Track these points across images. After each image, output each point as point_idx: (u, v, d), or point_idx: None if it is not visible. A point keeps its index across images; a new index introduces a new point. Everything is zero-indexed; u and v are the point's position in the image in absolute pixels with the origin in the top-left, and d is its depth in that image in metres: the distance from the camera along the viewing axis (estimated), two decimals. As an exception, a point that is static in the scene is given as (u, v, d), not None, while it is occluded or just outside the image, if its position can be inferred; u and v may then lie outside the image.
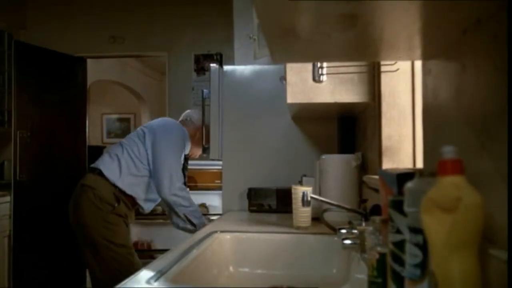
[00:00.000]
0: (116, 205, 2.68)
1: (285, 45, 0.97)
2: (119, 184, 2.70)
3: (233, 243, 1.74)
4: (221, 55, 5.14)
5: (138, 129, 2.98)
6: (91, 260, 2.68)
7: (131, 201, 2.79)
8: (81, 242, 2.74)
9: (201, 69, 5.20)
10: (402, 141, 1.80)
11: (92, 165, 2.80)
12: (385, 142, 1.80)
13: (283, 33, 0.87)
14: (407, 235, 0.75)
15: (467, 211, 0.61)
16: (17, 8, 5.33)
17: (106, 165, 2.74)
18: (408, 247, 0.74)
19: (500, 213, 0.69)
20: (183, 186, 2.77)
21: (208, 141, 2.75)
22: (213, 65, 2.86)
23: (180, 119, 3.12)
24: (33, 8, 5.44)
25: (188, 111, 3.21)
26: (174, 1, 5.20)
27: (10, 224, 4.36)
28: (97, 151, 8.65)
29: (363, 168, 2.14)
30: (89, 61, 5.45)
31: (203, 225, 2.63)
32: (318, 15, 0.77)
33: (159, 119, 3.12)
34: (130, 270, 2.20)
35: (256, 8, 0.72)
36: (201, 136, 2.87)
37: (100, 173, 2.71)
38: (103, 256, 2.64)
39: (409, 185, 0.76)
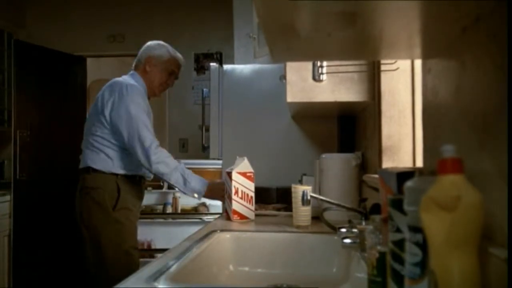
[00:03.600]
0: (116, 195, 2.39)
1: (285, 43, 0.97)
2: (116, 169, 2.41)
3: (233, 242, 1.74)
4: (221, 54, 5.14)
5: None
6: (92, 258, 2.43)
7: (136, 181, 2.50)
8: (86, 241, 2.45)
9: (201, 68, 5.20)
10: (402, 140, 1.80)
11: (81, 166, 2.49)
12: (385, 141, 1.80)
13: (283, 32, 0.87)
14: (407, 234, 0.75)
15: (466, 210, 0.61)
16: (16, 7, 5.33)
17: (93, 159, 2.43)
18: (408, 246, 0.74)
19: (500, 211, 0.69)
20: (156, 144, 2.37)
21: (207, 140, 2.74)
22: (213, 64, 2.87)
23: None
24: (33, 7, 5.44)
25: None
26: (174, 0, 5.20)
27: (10, 223, 4.36)
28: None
29: (363, 167, 2.14)
30: (88, 60, 5.44)
31: (201, 190, 2.38)
32: (317, 13, 0.76)
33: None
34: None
35: (256, 7, 0.72)
36: (154, 68, 2.55)
37: (93, 170, 2.42)
38: (106, 257, 2.39)
39: (409, 184, 0.76)
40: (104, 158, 2.42)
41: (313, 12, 0.76)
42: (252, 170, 2.13)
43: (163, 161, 2.33)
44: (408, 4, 0.74)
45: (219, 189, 2.31)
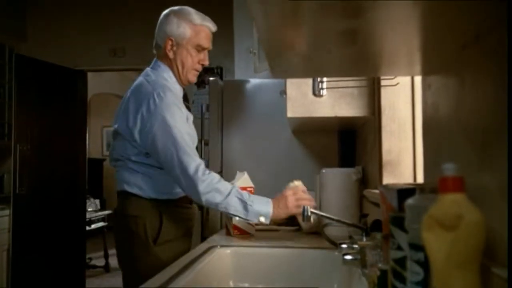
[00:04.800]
0: (158, 226, 1.87)
1: (285, 61, 0.97)
2: (157, 193, 1.90)
3: (233, 258, 1.73)
4: (221, 69, 5.16)
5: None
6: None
7: (183, 205, 1.97)
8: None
9: (201, 82, 5.22)
10: (403, 155, 1.80)
11: (117, 189, 1.97)
12: (385, 156, 1.80)
13: (283, 49, 0.88)
14: (408, 252, 0.75)
15: (468, 229, 0.60)
16: (17, 22, 5.36)
17: (128, 181, 1.91)
18: (409, 264, 0.73)
19: (501, 230, 0.69)
20: (202, 168, 1.81)
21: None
22: (213, 78, 2.87)
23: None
24: (34, 22, 5.47)
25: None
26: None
27: (9, 238, 4.34)
28: (97, 164, 8.69)
29: (364, 182, 2.13)
30: (89, 74, 5.47)
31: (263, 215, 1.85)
32: (318, 31, 0.77)
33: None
34: None
35: (256, 25, 0.73)
36: (178, 51, 1.95)
37: (130, 194, 1.90)
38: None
39: (409, 201, 0.75)
40: (142, 180, 1.89)
41: (313, 30, 0.76)
42: (252, 185, 2.12)
43: (214, 188, 1.79)
44: (408, 22, 0.75)
45: (284, 203, 1.86)
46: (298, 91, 1.94)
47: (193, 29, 1.94)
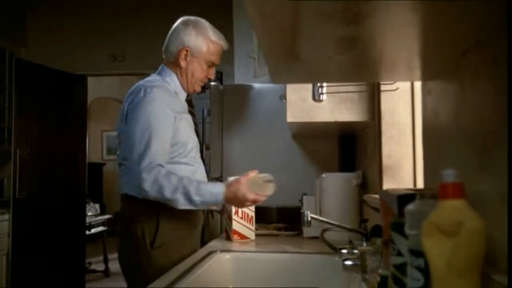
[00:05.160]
0: (154, 229, 1.82)
1: (285, 66, 0.97)
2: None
3: (233, 263, 1.73)
4: (221, 73, 5.15)
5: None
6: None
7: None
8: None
9: (202, 87, 5.22)
10: (402, 160, 1.79)
11: (120, 193, 1.93)
12: (385, 160, 1.80)
13: (283, 55, 0.88)
14: (408, 258, 0.74)
15: (468, 236, 0.60)
16: (18, 27, 5.37)
17: (127, 182, 1.87)
18: (410, 270, 0.73)
19: (501, 236, 0.69)
20: (154, 166, 1.75)
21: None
22: (213, 83, 2.88)
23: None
24: (34, 27, 5.48)
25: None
26: (175, 19, 5.23)
27: (9, 242, 4.33)
28: (97, 168, 8.69)
29: (364, 186, 2.13)
30: (89, 78, 5.47)
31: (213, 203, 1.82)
32: (318, 38, 0.77)
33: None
34: None
35: (256, 33, 0.73)
36: (191, 62, 1.98)
37: (129, 196, 1.86)
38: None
39: (410, 207, 0.75)
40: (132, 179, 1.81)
41: (313, 37, 0.76)
42: None
43: (160, 184, 1.72)
44: (408, 29, 0.75)
45: (236, 193, 1.76)
46: (298, 96, 1.94)
47: (209, 44, 1.97)
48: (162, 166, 1.77)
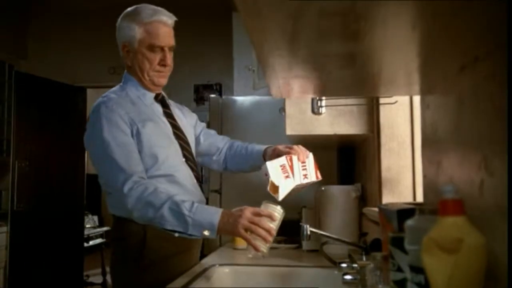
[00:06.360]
0: (141, 248, 1.65)
1: (284, 82, 0.98)
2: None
3: (232, 277, 1.72)
4: (220, 85, 5.18)
5: None
6: None
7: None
8: None
9: (200, 99, 5.23)
10: (402, 173, 1.80)
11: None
12: (384, 173, 1.80)
13: (282, 72, 0.88)
14: (408, 274, 0.74)
15: (469, 253, 0.60)
16: (18, 39, 5.39)
17: (111, 202, 1.72)
18: (410, 286, 0.73)
19: (502, 251, 0.69)
20: (132, 181, 1.57)
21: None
22: (213, 95, 2.89)
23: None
24: (34, 39, 5.51)
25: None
26: (174, 31, 5.26)
27: (7, 255, 4.31)
28: (95, 180, 8.63)
29: (363, 199, 2.13)
30: (89, 90, 5.48)
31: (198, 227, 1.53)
32: (317, 55, 0.77)
33: None
34: None
35: (256, 49, 0.73)
36: (132, 56, 1.77)
37: (116, 217, 1.72)
38: None
39: (409, 222, 0.75)
40: (115, 200, 1.69)
41: (312, 54, 0.77)
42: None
43: (145, 201, 1.55)
44: (406, 45, 0.75)
45: (235, 220, 1.50)
46: (297, 108, 1.95)
47: (143, 28, 1.72)
48: (142, 178, 1.61)
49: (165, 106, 1.84)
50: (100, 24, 5.42)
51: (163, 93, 1.86)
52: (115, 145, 1.62)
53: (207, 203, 1.95)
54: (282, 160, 1.63)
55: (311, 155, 1.74)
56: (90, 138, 1.69)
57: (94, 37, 5.39)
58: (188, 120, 1.96)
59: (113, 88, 1.81)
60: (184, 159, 1.78)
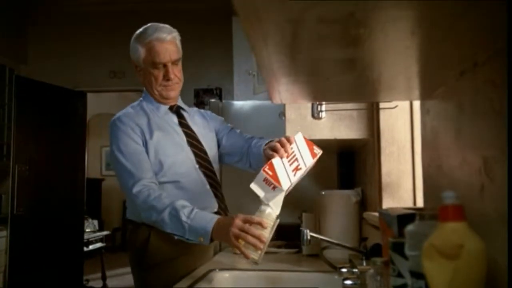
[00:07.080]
0: (144, 250, 1.78)
1: (284, 87, 0.98)
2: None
3: (232, 282, 1.71)
4: (220, 90, 5.18)
5: None
6: None
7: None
8: None
9: (200, 103, 5.23)
10: (402, 177, 1.79)
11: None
12: (384, 178, 1.80)
13: (282, 77, 0.88)
14: (408, 280, 0.74)
15: (469, 259, 0.60)
16: (18, 43, 5.40)
17: (128, 206, 1.87)
18: (410, 292, 0.73)
19: (502, 257, 0.69)
20: (141, 184, 1.72)
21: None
22: (213, 100, 2.89)
23: None
24: (34, 43, 5.52)
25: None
26: (174, 36, 5.28)
27: (6, 259, 4.30)
28: (95, 184, 8.65)
29: (363, 204, 2.13)
30: (89, 94, 5.49)
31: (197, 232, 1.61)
32: (316, 60, 0.77)
33: None
34: None
35: (255, 55, 0.73)
36: (142, 73, 1.91)
37: (129, 220, 1.85)
38: None
39: (410, 228, 0.75)
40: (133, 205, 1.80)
41: (312, 59, 0.77)
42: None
43: (149, 205, 1.67)
44: (406, 51, 0.76)
45: (227, 227, 1.53)
46: (297, 113, 1.95)
47: (144, 48, 1.84)
48: (152, 183, 1.74)
49: (180, 116, 1.96)
50: (100, 29, 5.44)
51: (179, 103, 1.98)
52: (126, 153, 1.78)
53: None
54: (261, 175, 1.53)
55: (298, 137, 1.62)
56: (110, 149, 1.86)
57: (94, 41, 5.40)
58: (211, 125, 2.06)
59: (133, 103, 1.98)
60: (197, 166, 1.88)
